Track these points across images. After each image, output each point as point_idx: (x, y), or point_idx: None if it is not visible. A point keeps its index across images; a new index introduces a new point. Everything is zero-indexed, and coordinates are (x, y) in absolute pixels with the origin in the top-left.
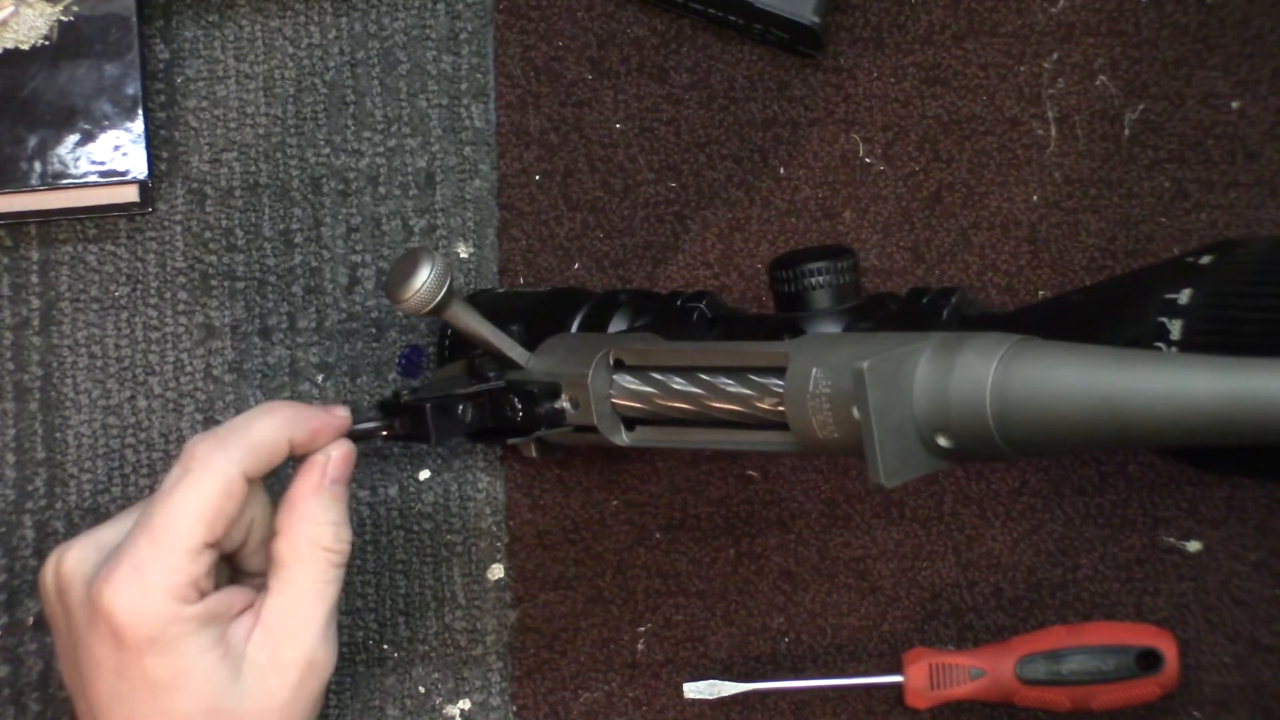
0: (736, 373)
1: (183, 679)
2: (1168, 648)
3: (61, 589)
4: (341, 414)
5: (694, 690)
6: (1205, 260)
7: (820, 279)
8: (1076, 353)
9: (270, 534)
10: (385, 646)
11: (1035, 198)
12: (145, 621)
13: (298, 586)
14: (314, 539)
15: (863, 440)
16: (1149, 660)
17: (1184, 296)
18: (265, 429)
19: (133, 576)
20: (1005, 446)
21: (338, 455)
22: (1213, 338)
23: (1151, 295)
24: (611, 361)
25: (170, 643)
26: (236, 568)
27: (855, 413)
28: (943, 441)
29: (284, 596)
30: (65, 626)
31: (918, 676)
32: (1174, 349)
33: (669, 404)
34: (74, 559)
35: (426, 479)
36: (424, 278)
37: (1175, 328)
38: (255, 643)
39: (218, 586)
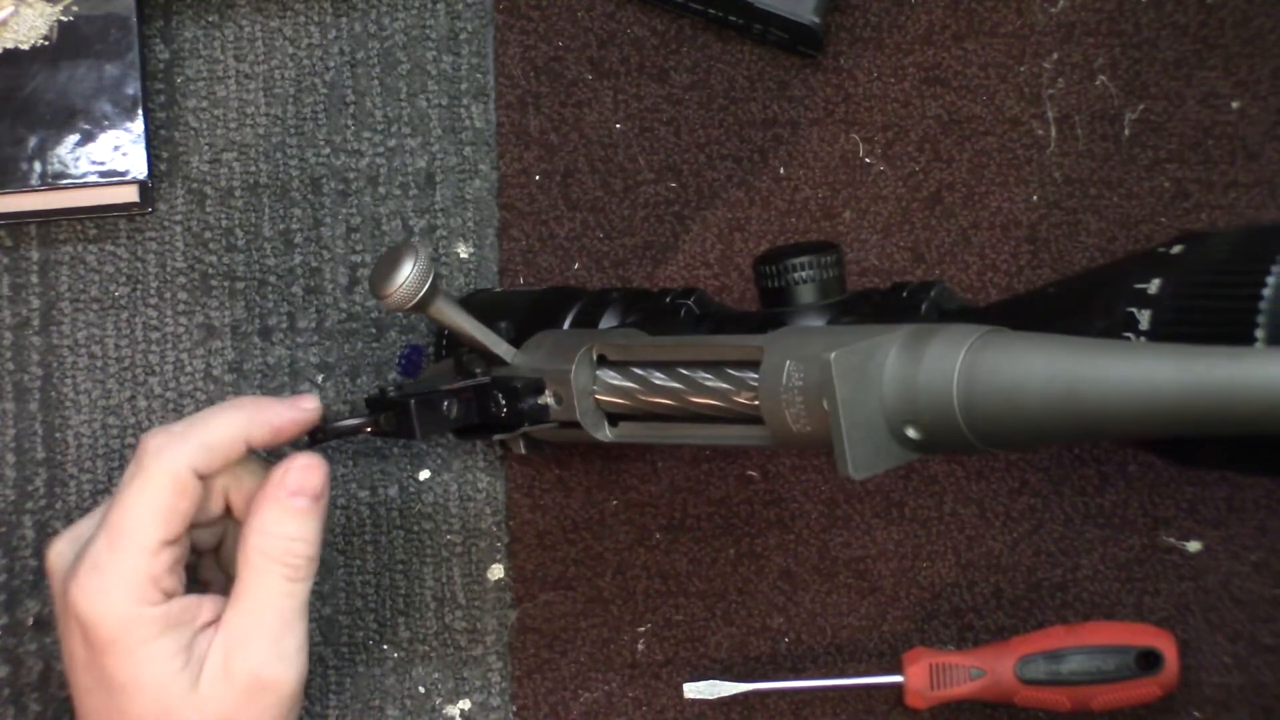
0: (715, 367)
1: (138, 683)
2: (1168, 648)
3: (50, 582)
4: (308, 405)
5: (694, 690)
6: (1175, 250)
7: (804, 274)
8: (1042, 342)
9: None
10: (385, 646)
11: (1035, 198)
12: (105, 622)
13: (250, 596)
14: (263, 550)
15: (831, 432)
16: (1149, 660)
17: (1153, 286)
18: (220, 427)
19: (93, 576)
20: (973, 438)
21: (297, 467)
22: (1181, 327)
23: (1121, 286)
24: (595, 357)
25: (129, 646)
26: (225, 571)
27: (826, 405)
28: (912, 433)
29: (238, 605)
30: (57, 619)
31: (918, 676)
32: (1143, 339)
33: (650, 399)
34: (56, 554)
35: (426, 479)
36: (407, 273)
37: (1144, 318)
38: (213, 650)
39: (205, 590)
